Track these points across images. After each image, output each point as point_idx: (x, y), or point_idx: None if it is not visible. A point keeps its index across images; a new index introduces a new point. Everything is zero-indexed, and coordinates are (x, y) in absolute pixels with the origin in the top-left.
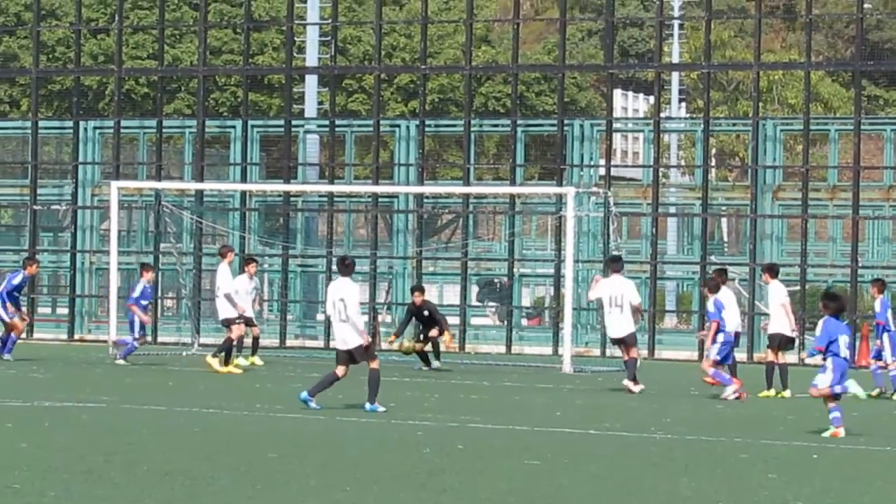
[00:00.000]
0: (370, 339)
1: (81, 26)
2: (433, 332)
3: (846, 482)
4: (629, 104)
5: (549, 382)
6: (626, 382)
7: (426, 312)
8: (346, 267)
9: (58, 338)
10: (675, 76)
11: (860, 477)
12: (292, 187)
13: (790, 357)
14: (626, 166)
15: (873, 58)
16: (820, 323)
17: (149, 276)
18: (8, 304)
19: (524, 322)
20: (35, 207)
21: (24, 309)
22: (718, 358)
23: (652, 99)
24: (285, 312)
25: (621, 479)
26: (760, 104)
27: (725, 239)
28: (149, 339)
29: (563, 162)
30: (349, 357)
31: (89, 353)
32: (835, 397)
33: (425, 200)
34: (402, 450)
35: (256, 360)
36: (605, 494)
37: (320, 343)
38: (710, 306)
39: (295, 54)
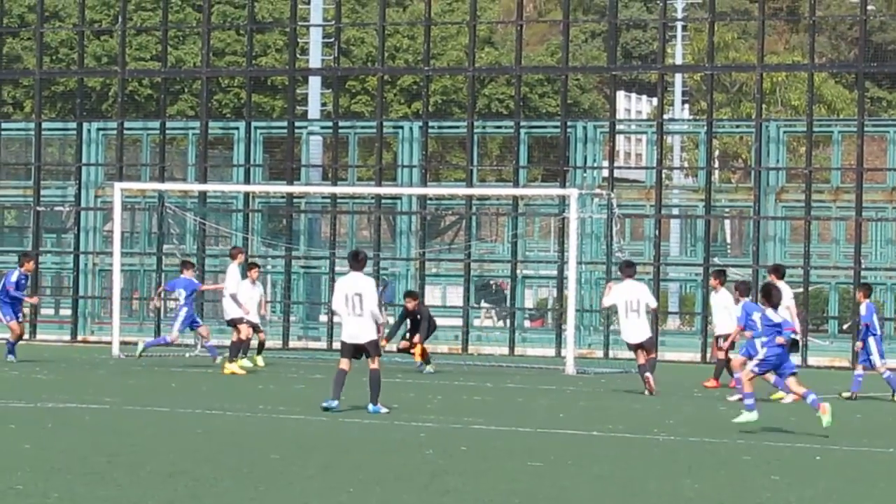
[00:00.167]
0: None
1: (85, 27)
2: (416, 338)
3: (849, 484)
4: (632, 106)
5: (552, 384)
6: (649, 376)
7: (419, 316)
8: (359, 262)
9: (61, 339)
10: (678, 78)
11: (863, 479)
12: (295, 189)
13: (794, 359)
14: (630, 168)
15: (877, 59)
16: (771, 312)
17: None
18: (26, 299)
19: (527, 324)
20: (38, 209)
21: (24, 311)
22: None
23: (655, 100)
24: (288, 314)
25: (624, 480)
26: (763, 106)
27: (728, 241)
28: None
29: (566, 163)
30: (355, 351)
31: (92, 354)
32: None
33: (428, 202)
34: (404, 451)
35: (259, 360)
36: (608, 496)
37: (323, 344)
38: (738, 310)
39: (298, 56)
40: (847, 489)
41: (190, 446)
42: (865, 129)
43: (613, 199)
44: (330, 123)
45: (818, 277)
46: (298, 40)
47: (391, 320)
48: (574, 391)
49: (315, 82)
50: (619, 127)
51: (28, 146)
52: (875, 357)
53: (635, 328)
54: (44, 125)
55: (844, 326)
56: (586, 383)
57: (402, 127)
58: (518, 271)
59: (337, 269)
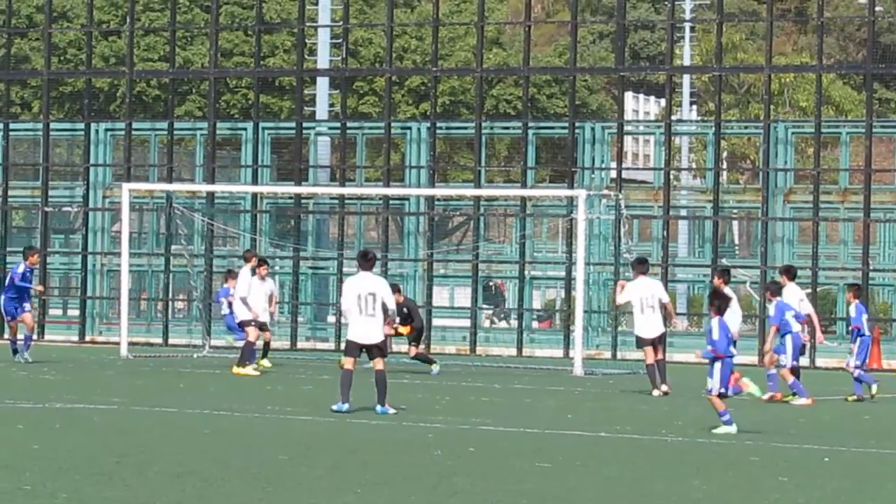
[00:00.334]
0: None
1: (93, 28)
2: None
3: (857, 485)
4: (640, 107)
5: (559, 385)
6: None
7: (405, 310)
8: (368, 261)
9: (69, 339)
10: (686, 79)
11: (871, 480)
12: (303, 189)
13: (801, 360)
14: (637, 169)
15: (885, 61)
16: (715, 323)
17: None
18: (28, 288)
19: (535, 325)
20: (46, 209)
21: (27, 306)
22: (795, 363)
23: (663, 101)
24: (296, 314)
25: (632, 481)
26: (772, 107)
27: (736, 242)
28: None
29: (574, 164)
30: (361, 351)
31: (100, 354)
32: (721, 396)
33: (436, 203)
34: (412, 452)
35: (265, 362)
36: (617, 497)
37: (331, 345)
38: (771, 309)
39: (306, 56)
40: (855, 490)
41: (198, 447)
42: (873, 130)
43: (621, 200)
44: (338, 124)
45: (826, 279)
46: (306, 41)
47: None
48: (582, 392)
49: (323, 83)
50: (627, 128)
51: (36, 147)
52: (853, 357)
53: (651, 323)
54: (52, 126)
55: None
56: (594, 384)
57: (409, 128)
58: (526, 272)
59: (345, 269)
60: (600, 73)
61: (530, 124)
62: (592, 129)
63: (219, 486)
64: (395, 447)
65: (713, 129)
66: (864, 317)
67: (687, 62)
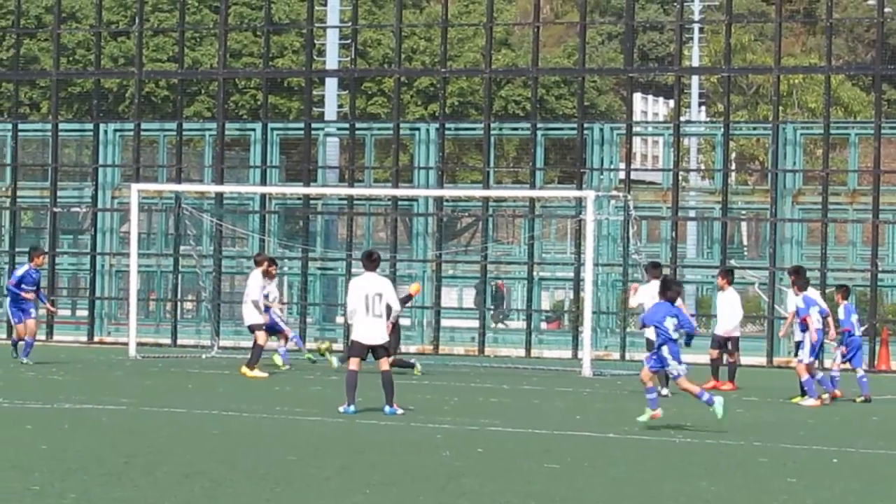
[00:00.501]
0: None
1: (102, 29)
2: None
3: (866, 486)
4: (649, 108)
5: (568, 386)
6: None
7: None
8: (373, 262)
9: (77, 340)
10: (695, 80)
11: (880, 481)
12: (312, 190)
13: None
14: (646, 170)
15: (894, 62)
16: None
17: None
18: (24, 294)
19: (543, 326)
20: (55, 210)
21: (35, 310)
22: (812, 359)
23: (672, 102)
24: (305, 315)
25: (641, 482)
26: (780, 108)
27: (745, 243)
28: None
29: (583, 165)
30: (366, 352)
31: (109, 355)
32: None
33: (445, 203)
34: (421, 453)
35: (277, 359)
36: (625, 498)
37: (339, 346)
38: (800, 302)
39: (315, 57)
40: (864, 491)
41: (206, 447)
42: (882, 131)
43: (630, 201)
44: (346, 125)
45: (835, 280)
46: (315, 42)
47: None
48: (590, 393)
49: (332, 84)
50: (636, 129)
51: (45, 147)
52: (838, 356)
53: None
54: (61, 126)
55: (862, 328)
56: (603, 385)
57: (418, 128)
58: (534, 273)
59: (354, 270)
60: (609, 74)
61: (539, 125)
62: (601, 129)
63: (227, 487)
64: (403, 448)
65: (722, 130)
66: (854, 317)
67: (696, 63)
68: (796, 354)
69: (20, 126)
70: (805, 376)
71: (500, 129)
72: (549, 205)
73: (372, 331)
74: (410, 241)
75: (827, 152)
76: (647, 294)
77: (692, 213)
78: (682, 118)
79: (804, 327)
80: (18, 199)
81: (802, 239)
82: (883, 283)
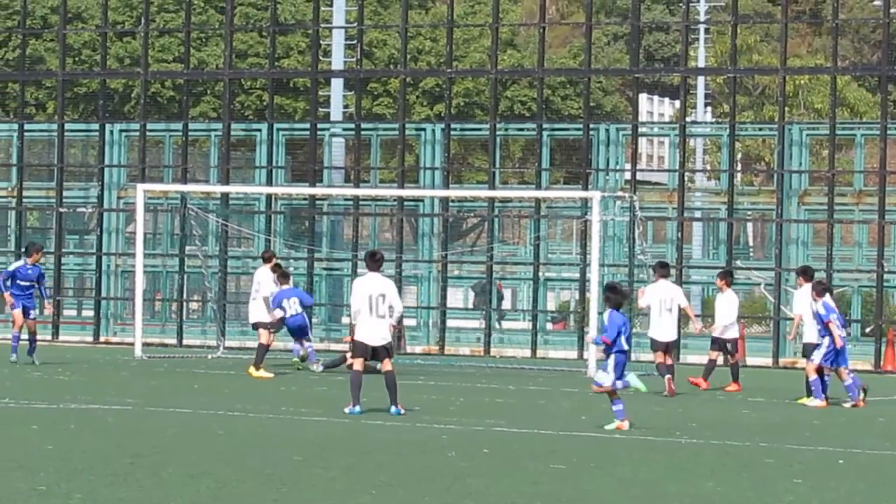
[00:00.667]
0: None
1: (108, 29)
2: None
3: (872, 487)
4: (655, 108)
5: (574, 386)
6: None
7: None
8: (377, 262)
9: (83, 340)
10: (700, 80)
11: (886, 482)
12: (318, 190)
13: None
14: (652, 170)
15: None
16: (606, 315)
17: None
18: (5, 296)
19: (549, 326)
20: (61, 210)
21: (43, 304)
22: (825, 363)
23: (678, 103)
24: (311, 316)
25: (647, 483)
26: (786, 109)
27: (751, 243)
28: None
29: (589, 166)
30: (369, 352)
31: (115, 355)
32: (615, 391)
33: (451, 204)
34: (426, 453)
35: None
36: (631, 498)
37: (345, 346)
38: (820, 308)
39: (321, 58)
40: (870, 492)
41: (212, 447)
42: (888, 131)
43: (636, 202)
44: (352, 125)
45: (841, 281)
46: (321, 42)
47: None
48: (596, 393)
49: (337, 84)
50: (642, 129)
51: (51, 147)
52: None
53: (667, 327)
54: (66, 126)
55: (867, 330)
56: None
57: (424, 129)
58: (540, 274)
59: (359, 270)
60: (615, 75)
61: (545, 126)
62: (607, 130)
63: (233, 487)
64: (409, 448)
65: (728, 130)
66: (833, 315)
67: (701, 64)
68: (804, 355)
69: (26, 126)
70: (813, 376)
71: (506, 129)
72: (555, 205)
73: (375, 331)
74: (416, 241)
75: (833, 153)
76: (654, 294)
77: (698, 214)
78: (687, 119)
79: (826, 332)
80: (24, 200)
81: (808, 240)
82: (889, 283)
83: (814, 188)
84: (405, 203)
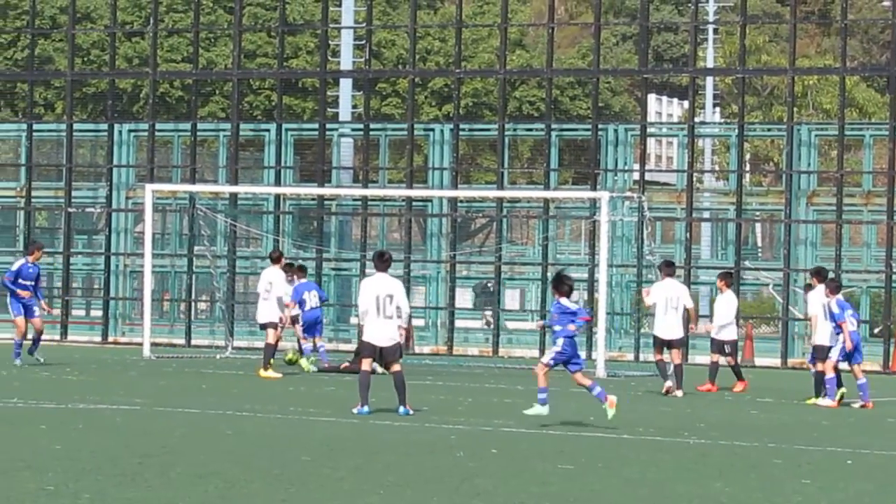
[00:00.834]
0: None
1: (116, 29)
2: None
3: (880, 487)
4: (663, 109)
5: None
6: (677, 390)
7: None
8: (385, 262)
9: (91, 340)
10: (709, 81)
11: (894, 482)
12: (326, 191)
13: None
14: (661, 171)
15: None
16: (565, 300)
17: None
18: (19, 292)
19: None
20: (70, 210)
21: (39, 304)
22: (841, 358)
23: (686, 103)
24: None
25: (655, 483)
26: (795, 109)
27: (759, 244)
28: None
29: (597, 166)
30: (377, 352)
31: (123, 355)
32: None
33: (459, 204)
34: (435, 454)
35: (304, 362)
36: (639, 499)
37: (354, 346)
38: (834, 307)
39: (329, 58)
40: (879, 493)
41: (220, 448)
42: None
43: (644, 202)
44: (361, 125)
45: (849, 281)
46: (329, 42)
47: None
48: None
49: (346, 84)
50: (650, 130)
51: (59, 147)
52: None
53: (671, 325)
54: (75, 126)
55: (876, 330)
56: (617, 386)
57: (432, 129)
58: (548, 274)
59: (367, 271)
60: (623, 75)
61: (553, 126)
62: (615, 130)
63: (241, 488)
64: (417, 449)
65: (736, 131)
66: (848, 312)
67: (710, 64)
68: (814, 356)
69: (35, 126)
70: (831, 374)
71: (515, 129)
72: (564, 206)
73: (382, 332)
74: (424, 241)
75: (841, 153)
76: (660, 293)
77: (706, 215)
78: (696, 119)
79: (840, 331)
80: (33, 200)
81: (817, 240)
82: None
83: (822, 189)
84: (413, 203)
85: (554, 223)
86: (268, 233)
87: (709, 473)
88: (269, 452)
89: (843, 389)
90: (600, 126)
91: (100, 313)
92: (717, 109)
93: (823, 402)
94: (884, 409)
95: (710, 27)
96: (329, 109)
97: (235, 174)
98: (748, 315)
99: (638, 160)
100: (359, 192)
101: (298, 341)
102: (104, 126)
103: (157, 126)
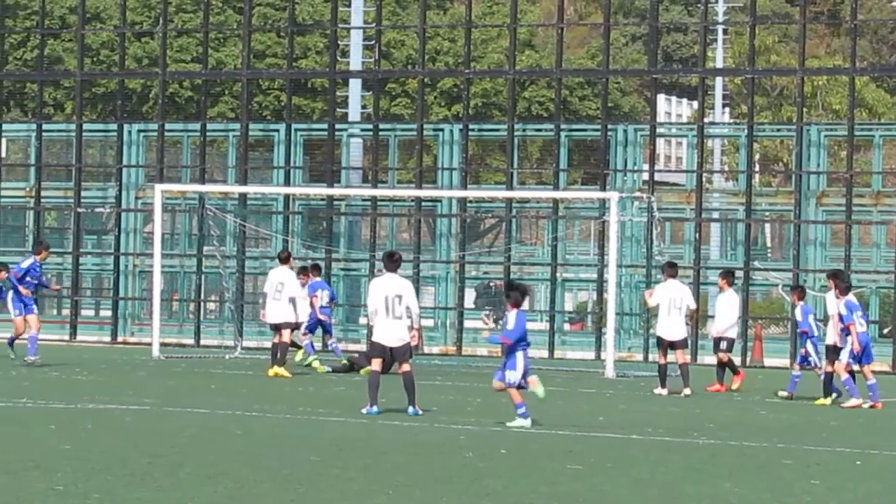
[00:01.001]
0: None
1: (126, 29)
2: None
3: (889, 488)
4: (673, 109)
5: (591, 387)
6: (684, 388)
7: None
8: (395, 262)
9: (101, 340)
10: (718, 81)
11: None
12: (335, 191)
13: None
14: (670, 171)
15: None
16: (512, 315)
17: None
18: (22, 289)
19: (567, 327)
20: (79, 210)
21: (36, 305)
22: (851, 361)
23: (695, 104)
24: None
25: (664, 483)
26: (804, 110)
27: (769, 244)
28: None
29: (607, 167)
30: (386, 353)
31: (132, 355)
32: (519, 387)
33: (468, 204)
34: (444, 454)
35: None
36: (648, 499)
37: (363, 346)
38: (842, 308)
39: (338, 58)
40: (887, 493)
41: (230, 448)
42: None
43: (654, 203)
44: (370, 126)
45: (859, 281)
46: (339, 42)
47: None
48: (614, 394)
49: (355, 84)
50: (660, 130)
51: (69, 148)
52: (815, 358)
53: (674, 326)
54: (85, 127)
55: (885, 331)
56: (626, 387)
57: (442, 129)
58: (558, 274)
59: (377, 271)
60: (633, 76)
61: (562, 126)
62: (625, 131)
63: (250, 488)
64: (426, 449)
65: (746, 131)
66: (811, 317)
67: (720, 64)
68: (826, 357)
69: (44, 126)
70: (845, 376)
71: (524, 130)
72: (573, 206)
73: (392, 332)
74: (434, 242)
75: (851, 154)
76: (663, 294)
77: (716, 215)
78: (705, 119)
79: (848, 333)
80: (42, 200)
81: (826, 241)
82: None
83: (832, 189)
84: (423, 203)
85: (563, 224)
86: (277, 233)
87: (718, 474)
88: (279, 452)
89: (834, 395)
90: (610, 126)
91: (109, 313)
92: (727, 110)
93: (849, 402)
94: (893, 410)
95: (720, 27)
96: (338, 110)
97: (245, 174)
98: (757, 316)
99: (647, 160)
100: (368, 192)
101: (311, 344)
102: (114, 126)
103: (167, 126)
